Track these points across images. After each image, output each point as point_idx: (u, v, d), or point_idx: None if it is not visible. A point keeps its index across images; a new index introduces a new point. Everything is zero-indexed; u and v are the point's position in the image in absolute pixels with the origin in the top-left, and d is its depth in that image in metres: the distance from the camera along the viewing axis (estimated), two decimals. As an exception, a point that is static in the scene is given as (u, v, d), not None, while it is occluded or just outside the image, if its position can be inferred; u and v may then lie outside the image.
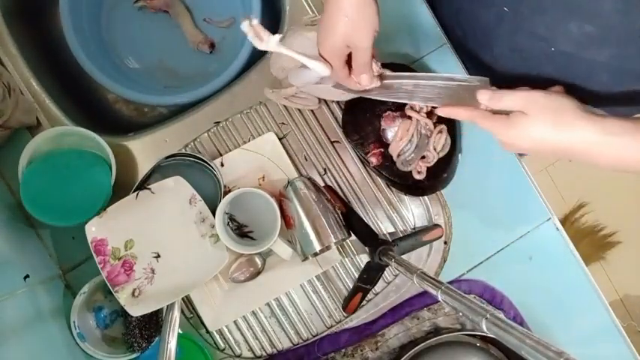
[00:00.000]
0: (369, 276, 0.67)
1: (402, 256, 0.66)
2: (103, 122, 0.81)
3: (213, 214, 0.65)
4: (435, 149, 0.68)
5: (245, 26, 0.54)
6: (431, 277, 0.51)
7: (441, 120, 0.69)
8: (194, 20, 0.85)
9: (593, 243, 1.73)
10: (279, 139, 0.71)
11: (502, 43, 0.68)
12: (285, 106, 0.72)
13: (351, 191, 0.72)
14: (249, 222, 0.70)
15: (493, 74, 0.73)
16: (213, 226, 0.66)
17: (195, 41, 0.84)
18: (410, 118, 0.67)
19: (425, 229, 0.71)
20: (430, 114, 0.68)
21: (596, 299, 0.73)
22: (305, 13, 0.74)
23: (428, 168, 0.69)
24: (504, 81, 0.72)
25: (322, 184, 0.71)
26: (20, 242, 0.67)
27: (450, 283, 0.71)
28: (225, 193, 0.67)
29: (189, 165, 0.69)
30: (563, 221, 1.72)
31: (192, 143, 0.72)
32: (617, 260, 1.74)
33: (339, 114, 0.72)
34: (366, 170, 0.72)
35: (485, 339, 0.71)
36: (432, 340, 0.68)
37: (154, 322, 0.67)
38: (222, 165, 0.70)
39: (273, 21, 0.77)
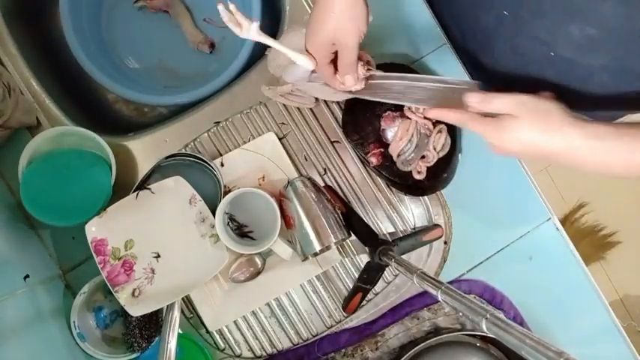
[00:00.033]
0: (369, 276, 0.67)
1: (402, 256, 0.66)
2: (103, 122, 0.81)
3: (213, 214, 0.65)
4: (434, 149, 0.68)
5: (221, 11, 0.54)
6: (431, 277, 0.51)
7: (440, 120, 0.69)
8: (194, 20, 0.85)
9: (593, 243, 1.73)
10: (279, 139, 0.71)
11: (502, 46, 0.68)
12: (285, 106, 0.72)
13: (351, 191, 0.72)
14: (249, 222, 0.70)
15: (493, 76, 0.73)
16: (213, 226, 0.66)
17: (195, 41, 0.84)
18: (409, 118, 0.67)
19: (425, 229, 0.71)
20: (430, 114, 0.68)
21: (596, 299, 0.73)
22: (305, 13, 0.74)
23: (428, 168, 0.69)
24: (505, 83, 0.72)
25: (322, 184, 0.71)
26: (20, 242, 0.67)
27: (450, 283, 0.71)
28: (225, 193, 0.67)
29: (189, 165, 0.69)
30: (563, 221, 1.72)
31: (192, 143, 0.72)
32: (617, 260, 1.74)
33: (339, 114, 0.72)
34: (366, 170, 0.72)
35: (485, 339, 0.71)
36: (432, 340, 0.68)
37: (154, 322, 0.67)
38: (222, 165, 0.70)
39: (273, 21, 0.77)
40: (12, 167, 0.67)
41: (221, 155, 0.71)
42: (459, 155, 0.72)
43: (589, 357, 0.71)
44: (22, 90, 0.72)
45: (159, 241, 0.67)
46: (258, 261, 0.70)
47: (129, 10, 0.84)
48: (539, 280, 0.73)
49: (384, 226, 0.72)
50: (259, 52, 0.72)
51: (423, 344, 0.68)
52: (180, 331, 0.69)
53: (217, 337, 0.71)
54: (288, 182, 0.67)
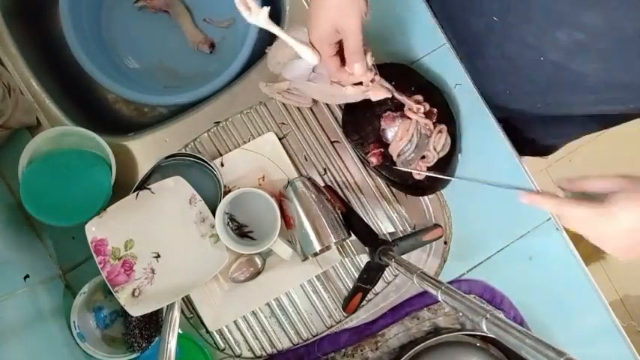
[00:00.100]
0: (369, 276, 0.67)
1: (402, 256, 0.66)
2: (103, 122, 0.81)
3: (213, 214, 0.65)
4: (435, 149, 0.68)
5: None
6: (431, 277, 0.51)
7: (440, 120, 0.69)
8: (194, 20, 0.85)
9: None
10: (279, 139, 0.71)
11: (493, 51, 0.67)
12: (285, 106, 0.72)
13: (351, 191, 0.72)
14: (249, 222, 0.70)
15: (486, 81, 0.73)
16: (213, 226, 0.66)
17: (195, 41, 0.84)
18: (410, 118, 0.67)
19: (425, 229, 0.71)
20: (429, 114, 0.68)
21: (596, 299, 0.73)
22: (305, 12, 0.74)
23: (428, 168, 0.69)
24: (497, 88, 0.72)
25: (322, 184, 0.71)
26: (20, 242, 0.67)
27: (450, 283, 0.71)
28: (225, 193, 0.67)
29: (189, 165, 0.69)
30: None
31: (192, 143, 0.72)
32: (617, 260, 1.73)
33: (339, 114, 0.72)
34: (366, 170, 0.72)
35: (485, 339, 0.71)
36: (432, 340, 0.68)
37: (154, 322, 0.67)
38: (222, 165, 0.70)
39: (273, 21, 0.77)
40: (12, 167, 0.67)
41: (221, 155, 0.71)
42: (459, 155, 0.72)
43: (589, 357, 0.71)
44: (22, 90, 0.72)
45: (159, 241, 0.67)
46: (258, 261, 0.70)
47: (129, 10, 0.84)
48: (539, 280, 0.73)
49: (384, 226, 0.72)
50: (259, 52, 0.72)
51: (423, 344, 0.68)
52: (180, 331, 0.69)
53: (217, 337, 0.71)
54: (288, 182, 0.67)
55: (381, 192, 0.72)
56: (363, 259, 0.72)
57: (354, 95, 0.63)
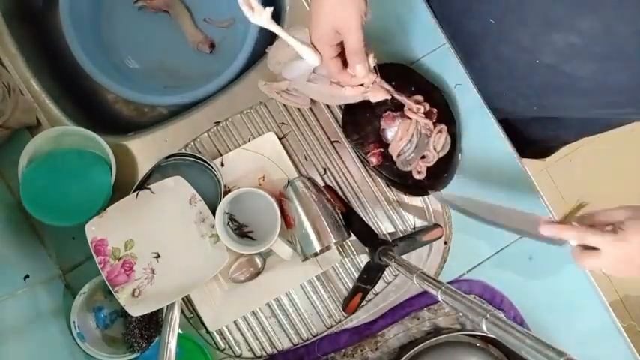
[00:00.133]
0: (369, 276, 0.67)
1: (402, 256, 0.66)
2: (103, 122, 0.81)
3: (213, 214, 0.65)
4: (435, 149, 0.68)
5: None
6: (431, 277, 0.51)
7: (440, 120, 0.69)
8: (194, 20, 0.85)
9: (593, 243, 1.73)
10: (279, 139, 0.71)
11: (488, 53, 0.68)
12: (285, 106, 0.72)
13: (351, 191, 0.72)
14: (249, 222, 0.70)
15: (481, 83, 0.73)
16: (213, 226, 0.66)
17: (195, 41, 0.84)
18: (410, 118, 0.67)
19: (425, 229, 0.71)
20: (429, 114, 0.68)
21: (596, 299, 0.73)
22: (305, 13, 0.74)
23: (428, 168, 0.69)
24: (493, 89, 0.72)
25: (322, 184, 0.71)
26: (20, 242, 0.67)
27: (450, 283, 0.71)
28: (225, 193, 0.67)
29: (189, 165, 0.69)
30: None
31: (192, 143, 0.72)
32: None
33: (339, 114, 0.72)
34: (366, 170, 0.72)
35: (485, 339, 0.71)
36: (432, 340, 0.68)
37: (154, 322, 0.67)
38: (222, 165, 0.70)
39: (273, 21, 0.77)
40: (12, 167, 0.67)
41: (221, 155, 0.71)
42: (459, 155, 0.72)
43: (589, 357, 0.71)
44: (22, 90, 0.72)
45: (159, 241, 0.67)
46: (258, 261, 0.70)
47: (129, 10, 0.84)
48: (539, 280, 0.73)
49: (384, 226, 0.72)
50: (259, 52, 0.72)
51: (423, 344, 0.68)
52: (180, 331, 0.69)
53: (217, 337, 0.71)
54: (288, 182, 0.67)
55: (381, 192, 0.72)
56: (363, 259, 0.72)
57: (353, 96, 0.63)
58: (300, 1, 0.74)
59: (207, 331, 0.70)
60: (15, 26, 0.73)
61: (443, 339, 0.69)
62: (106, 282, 0.64)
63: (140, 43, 0.85)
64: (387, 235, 0.72)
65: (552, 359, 0.35)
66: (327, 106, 0.72)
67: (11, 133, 0.69)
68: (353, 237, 0.69)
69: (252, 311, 0.71)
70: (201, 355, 0.69)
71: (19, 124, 0.69)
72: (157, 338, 0.67)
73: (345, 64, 0.59)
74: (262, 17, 0.56)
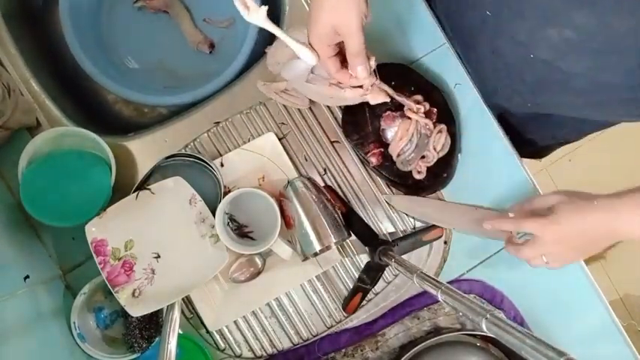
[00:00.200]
0: (369, 276, 0.67)
1: (402, 256, 0.66)
2: (102, 123, 0.81)
3: (213, 214, 0.65)
4: (434, 149, 0.68)
5: None
6: (431, 277, 0.51)
7: (440, 120, 0.69)
8: (194, 20, 0.85)
9: (593, 243, 1.72)
10: (279, 139, 0.71)
11: (484, 46, 0.67)
12: (285, 106, 0.72)
13: (351, 191, 0.72)
14: (249, 222, 0.70)
15: (477, 77, 0.73)
16: (213, 227, 0.66)
17: (194, 41, 0.84)
18: (410, 117, 0.67)
19: (425, 229, 0.71)
20: (429, 113, 0.68)
21: (596, 299, 0.73)
22: (305, 13, 0.74)
23: (428, 168, 0.69)
24: (487, 84, 0.72)
25: (322, 184, 0.71)
26: (20, 243, 0.67)
27: (450, 283, 0.71)
28: (225, 194, 0.67)
29: (189, 165, 0.69)
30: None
31: (192, 143, 0.72)
32: (617, 260, 1.74)
33: (339, 114, 0.72)
34: (366, 170, 0.72)
35: (485, 339, 0.71)
36: (432, 340, 0.68)
37: (154, 323, 0.67)
38: (222, 165, 0.70)
39: (272, 21, 0.77)
40: (12, 167, 0.67)
41: (221, 155, 0.71)
42: (459, 155, 0.72)
43: (589, 357, 0.71)
44: (22, 90, 0.72)
45: (159, 242, 0.67)
46: (258, 261, 0.70)
47: (129, 10, 0.84)
48: (539, 279, 0.73)
49: (384, 226, 0.72)
50: (259, 52, 0.72)
51: (423, 344, 0.68)
52: (181, 332, 0.69)
53: (217, 337, 0.71)
54: (288, 182, 0.67)
55: (381, 192, 0.72)
56: (363, 259, 0.72)
57: (352, 98, 0.63)
58: (299, 1, 0.74)
59: (208, 332, 0.70)
60: (15, 26, 0.73)
61: (443, 339, 0.69)
62: (106, 282, 0.64)
63: (140, 44, 0.85)
64: (387, 235, 0.72)
65: (552, 359, 0.35)
66: (327, 106, 0.72)
67: (11, 133, 0.69)
68: (353, 237, 0.69)
69: (253, 311, 0.71)
70: (201, 356, 0.69)
71: (19, 125, 0.69)
72: (157, 338, 0.67)
73: (342, 63, 0.59)
74: (258, 16, 0.56)
